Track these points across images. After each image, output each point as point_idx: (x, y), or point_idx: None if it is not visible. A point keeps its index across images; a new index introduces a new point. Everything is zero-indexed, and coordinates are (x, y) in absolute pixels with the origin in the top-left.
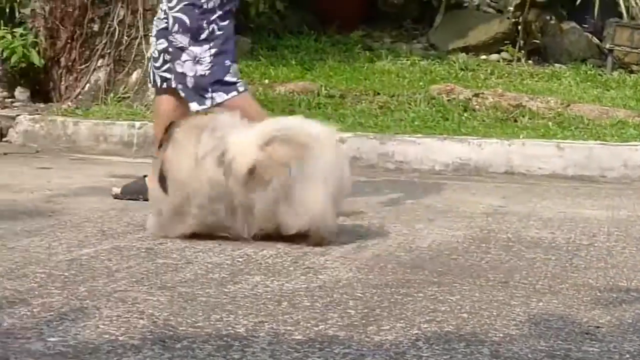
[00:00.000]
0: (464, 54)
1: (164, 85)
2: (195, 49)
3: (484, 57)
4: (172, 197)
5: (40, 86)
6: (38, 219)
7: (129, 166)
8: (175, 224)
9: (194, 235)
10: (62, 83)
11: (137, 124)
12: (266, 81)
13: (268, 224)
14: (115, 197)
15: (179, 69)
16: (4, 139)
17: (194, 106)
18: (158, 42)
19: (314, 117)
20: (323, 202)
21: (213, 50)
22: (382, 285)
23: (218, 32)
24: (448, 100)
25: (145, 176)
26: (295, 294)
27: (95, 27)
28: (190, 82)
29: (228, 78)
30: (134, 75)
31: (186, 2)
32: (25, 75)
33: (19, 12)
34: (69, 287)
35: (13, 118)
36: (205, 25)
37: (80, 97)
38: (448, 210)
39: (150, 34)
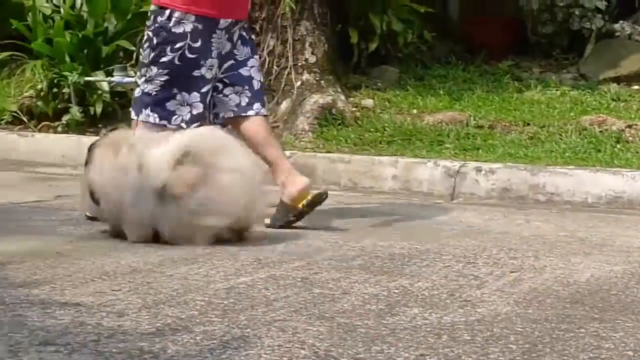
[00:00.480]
0: (615, 84)
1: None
2: (153, 69)
3: (636, 87)
4: (103, 206)
5: None
6: (194, 246)
7: (278, 195)
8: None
9: (348, 267)
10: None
11: (287, 153)
12: (414, 111)
13: (179, 232)
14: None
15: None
16: None
17: (132, 114)
18: None
19: (463, 148)
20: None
21: (166, 78)
22: (542, 320)
23: (177, 63)
24: (600, 131)
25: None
26: (454, 327)
27: None
28: (137, 93)
29: (168, 106)
30: (283, 105)
31: (157, 24)
32: None
33: None
34: (229, 315)
35: None
36: (168, 51)
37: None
38: (603, 244)
39: (299, 64)
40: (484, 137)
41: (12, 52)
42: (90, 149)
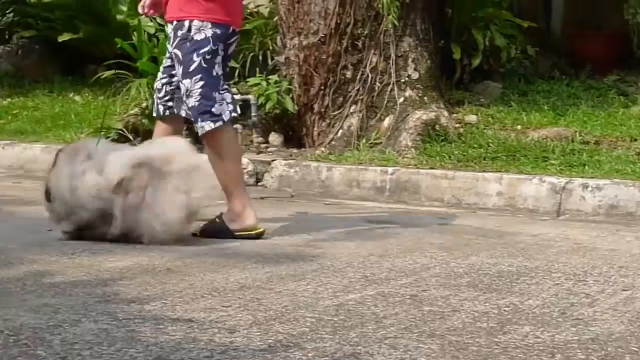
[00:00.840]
0: None
1: (167, 112)
2: (186, 82)
3: None
4: (54, 205)
5: (293, 132)
6: (301, 263)
7: (382, 211)
8: (61, 224)
9: (456, 285)
10: (315, 129)
11: (390, 169)
12: (518, 127)
13: (128, 230)
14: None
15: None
16: (259, 183)
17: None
18: (162, 76)
19: (569, 164)
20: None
21: (201, 83)
22: None
23: (205, 65)
24: None
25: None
26: (567, 346)
27: (348, 74)
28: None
29: (214, 110)
30: (386, 121)
31: (179, 38)
32: (279, 121)
33: (272, 59)
34: (340, 332)
35: (268, 163)
36: (195, 57)
37: (333, 142)
38: None
39: (401, 80)
40: (590, 153)
41: (117, 71)
42: (56, 154)
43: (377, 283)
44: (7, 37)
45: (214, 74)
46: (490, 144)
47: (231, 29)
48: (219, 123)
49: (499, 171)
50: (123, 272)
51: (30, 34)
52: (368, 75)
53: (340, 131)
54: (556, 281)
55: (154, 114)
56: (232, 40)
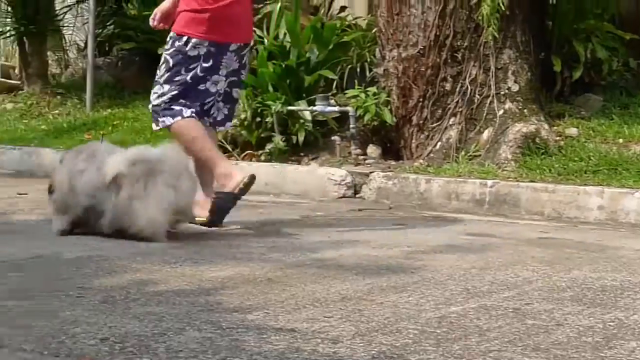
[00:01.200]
0: None
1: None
2: (165, 87)
3: None
4: (54, 199)
5: (391, 144)
6: (401, 275)
7: (481, 224)
8: (56, 221)
9: (559, 298)
10: (414, 141)
11: (489, 182)
12: (620, 140)
13: (120, 223)
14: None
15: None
16: (357, 195)
17: (153, 126)
18: None
19: None
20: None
21: (175, 93)
22: None
23: (189, 81)
24: None
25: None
26: None
27: (448, 86)
28: (150, 107)
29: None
30: (485, 134)
31: (175, 49)
32: (377, 133)
33: (370, 71)
34: (443, 345)
35: (367, 175)
36: (183, 71)
37: (431, 154)
38: None
39: (501, 92)
40: None
41: None
42: (63, 154)
43: (479, 296)
44: (107, 49)
45: (200, 87)
46: (592, 157)
47: (232, 45)
48: (178, 118)
49: (601, 185)
50: (225, 281)
51: (130, 46)
52: (467, 88)
53: (439, 143)
54: None
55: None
56: (242, 53)
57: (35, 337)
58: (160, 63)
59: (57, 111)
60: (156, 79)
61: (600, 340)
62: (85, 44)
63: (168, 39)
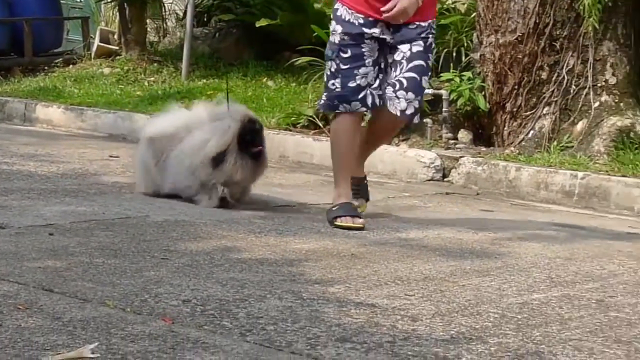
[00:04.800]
0: None
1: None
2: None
3: None
4: None
5: (483, 130)
6: (485, 259)
7: (568, 215)
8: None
9: None
10: (506, 128)
11: (580, 174)
12: None
13: None
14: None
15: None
16: (445, 179)
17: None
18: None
19: None
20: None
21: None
22: None
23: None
24: None
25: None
26: None
27: (544, 75)
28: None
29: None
30: (579, 125)
31: (429, 42)
32: (469, 118)
33: (466, 56)
34: (523, 330)
35: (456, 159)
36: (430, 58)
37: (523, 143)
38: None
39: (598, 84)
40: None
41: (311, 58)
42: None
43: (562, 285)
44: (205, 19)
45: None
46: None
47: None
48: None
49: None
50: (308, 254)
51: (228, 17)
52: (564, 77)
53: (532, 132)
54: None
55: (369, 106)
56: None
57: (120, 294)
58: (420, 60)
59: (152, 78)
60: (429, 70)
61: None
62: (184, 13)
63: (427, 26)
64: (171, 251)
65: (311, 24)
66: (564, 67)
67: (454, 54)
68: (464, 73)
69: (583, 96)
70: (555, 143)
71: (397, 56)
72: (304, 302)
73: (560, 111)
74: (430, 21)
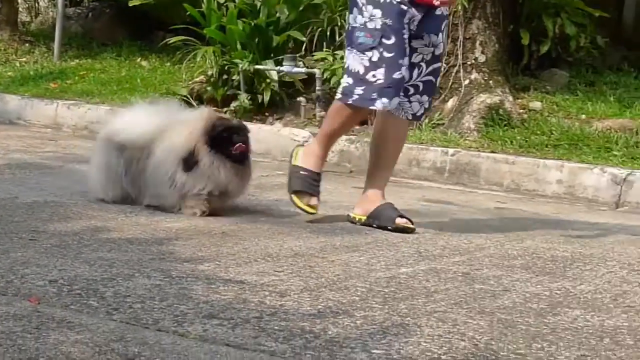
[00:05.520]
0: None
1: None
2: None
3: None
4: None
5: None
6: (356, 235)
7: (440, 192)
8: None
9: (509, 266)
10: None
11: (451, 150)
12: (583, 116)
13: None
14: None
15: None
16: None
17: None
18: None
19: (631, 156)
20: None
21: None
22: None
23: None
24: None
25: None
26: (617, 331)
27: None
28: None
29: None
30: (450, 103)
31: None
32: None
33: (340, 35)
34: (390, 303)
35: None
36: None
37: None
38: None
39: (468, 62)
40: None
41: (184, 37)
42: None
43: (429, 259)
44: None
45: None
46: (554, 132)
47: None
48: None
49: (560, 159)
50: (179, 232)
51: None
52: None
53: None
54: (610, 269)
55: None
56: None
57: None
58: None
59: (24, 59)
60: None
61: (545, 307)
62: None
63: (447, 14)
64: (39, 232)
65: (184, 3)
66: None
67: (328, 34)
68: (337, 52)
69: (453, 74)
70: (427, 121)
71: (416, 58)
72: (172, 280)
73: None
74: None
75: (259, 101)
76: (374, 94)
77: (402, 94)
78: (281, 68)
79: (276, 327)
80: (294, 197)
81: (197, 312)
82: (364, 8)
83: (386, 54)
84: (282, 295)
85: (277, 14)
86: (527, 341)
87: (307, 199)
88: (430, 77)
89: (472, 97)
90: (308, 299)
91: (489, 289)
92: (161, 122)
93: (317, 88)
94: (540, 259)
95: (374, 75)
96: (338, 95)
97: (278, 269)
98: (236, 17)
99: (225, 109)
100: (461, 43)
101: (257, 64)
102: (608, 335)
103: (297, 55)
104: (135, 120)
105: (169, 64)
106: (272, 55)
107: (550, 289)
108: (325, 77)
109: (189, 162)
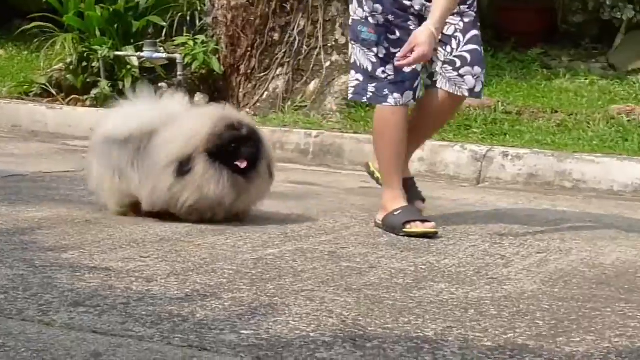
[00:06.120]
0: None
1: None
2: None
3: None
4: None
5: (218, 93)
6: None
7: (304, 173)
8: None
9: (375, 243)
10: (241, 90)
11: (314, 132)
12: None
13: None
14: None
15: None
16: None
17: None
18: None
19: (490, 133)
20: None
21: None
22: (569, 299)
23: None
24: (628, 120)
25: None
26: (481, 302)
27: (276, 37)
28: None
29: None
30: (312, 85)
31: (476, 16)
32: (204, 82)
33: (201, 20)
34: (257, 284)
35: None
36: None
37: (258, 104)
38: (630, 230)
39: (328, 44)
40: (512, 123)
41: (41, 24)
42: None
43: (296, 240)
44: None
45: None
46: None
47: None
48: None
49: None
50: (42, 222)
51: None
52: (295, 39)
53: (266, 93)
54: (473, 243)
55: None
56: None
57: None
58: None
59: None
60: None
61: (410, 282)
62: None
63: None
64: None
65: None
66: (295, 28)
67: (188, 18)
68: (197, 37)
69: (314, 56)
70: (289, 103)
71: (448, 30)
72: (36, 269)
73: (293, 72)
74: None
75: (120, 88)
76: (385, 90)
77: (450, 67)
78: (141, 54)
79: (144, 312)
80: (408, 230)
81: (62, 300)
82: (364, 2)
83: (393, 50)
84: (149, 281)
85: None
86: (394, 315)
87: (420, 224)
88: (474, 46)
89: (333, 79)
90: (175, 283)
91: (356, 266)
92: (164, 114)
93: (178, 73)
94: (404, 236)
95: (383, 71)
96: (350, 95)
97: (144, 254)
98: (94, 3)
99: (85, 97)
100: (321, 25)
101: (117, 50)
102: (472, 307)
103: (158, 40)
104: (135, 112)
105: (26, 52)
106: (132, 41)
107: (416, 264)
108: (186, 62)
109: (183, 168)
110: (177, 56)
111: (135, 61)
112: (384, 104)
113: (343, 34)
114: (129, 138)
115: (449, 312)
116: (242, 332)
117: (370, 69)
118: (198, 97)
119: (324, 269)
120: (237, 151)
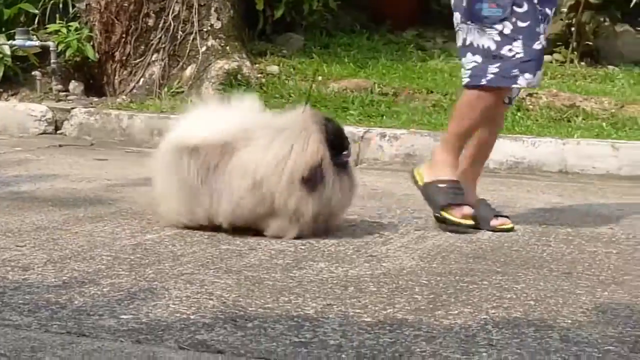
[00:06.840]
0: None
1: None
2: None
3: None
4: None
5: (94, 80)
6: (99, 206)
7: None
8: None
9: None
10: (117, 77)
11: None
12: (319, 78)
13: None
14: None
15: None
16: (58, 132)
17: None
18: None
19: (367, 114)
20: None
21: None
22: (446, 273)
23: None
24: None
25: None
26: (360, 279)
27: (150, 22)
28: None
29: None
30: (188, 70)
31: None
32: (79, 69)
33: (74, 7)
34: (136, 269)
35: (68, 111)
36: None
37: (134, 91)
38: (505, 206)
39: (204, 29)
40: (388, 104)
41: None
42: None
43: (175, 225)
44: None
45: None
46: (292, 94)
47: None
48: None
49: None
50: None
51: None
52: (170, 24)
53: (142, 80)
54: (352, 223)
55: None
56: None
57: None
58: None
59: None
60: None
61: (290, 262)
62: None
63: None
64: None
65: None
66: (170, 13)
67: (61, 5)
68: (71, 24)
69: (190, 41)
70: (166, 89)
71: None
72: None
73: (169, 57)
74: None
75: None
76: (514, 70)
77: None
78: (13, 42)
79: (20, 301)
80: (444, 214)
81: None
82: None
83: (520, 24)
84: (25, 269)
85: None
86: (275, 295)
87: (459, 211)
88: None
89: (210, 64)
90: (52, 271)
91: (235, 249)
92: (243, 123)
93: (52, 61)
94: None
95: (510, 50)
96: (465, 80)
97: (20, 243)
98: None
99: None
100: (196, 10)
101: None
102: (352, 284)
103: (30, 28)
104: (205, 122)
105: None
106: (3, 29)
107: (295, 244)
108: (60, 49)
109: (315, 180)
110: (51, 44)
111: (7, 50)
112: (512, 85)
113: (219, 19)
114: (200, 148)
115: (329, 290)
116: (122, 316)
117: (493, 47)
118: (73, 84)
119: (203, 252)
120: (342, 145)
